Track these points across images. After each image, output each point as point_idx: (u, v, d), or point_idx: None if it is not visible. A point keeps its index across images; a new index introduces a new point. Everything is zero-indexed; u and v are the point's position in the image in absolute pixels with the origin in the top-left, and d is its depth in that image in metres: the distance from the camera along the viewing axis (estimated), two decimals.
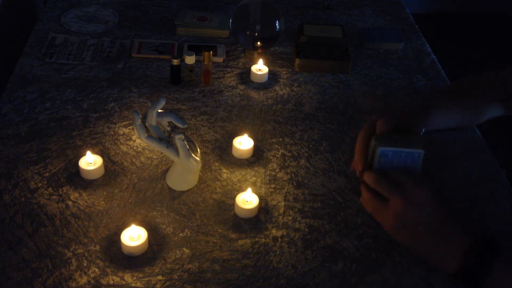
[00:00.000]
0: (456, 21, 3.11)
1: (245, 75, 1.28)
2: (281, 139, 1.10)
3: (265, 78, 1.26)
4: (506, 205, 1.00)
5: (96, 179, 0.97)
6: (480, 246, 0.78)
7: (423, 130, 0.97)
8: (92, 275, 0.82)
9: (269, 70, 1.27)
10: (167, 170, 0.99)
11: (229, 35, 1.40)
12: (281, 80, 1.28)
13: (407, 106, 1.07)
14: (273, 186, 0.99)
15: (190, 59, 1.21)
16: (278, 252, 0.88)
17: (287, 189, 0.99)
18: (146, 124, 0.92)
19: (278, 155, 1.06)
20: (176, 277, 0.83)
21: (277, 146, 1.08)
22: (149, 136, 0.91)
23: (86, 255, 0.85)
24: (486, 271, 0.76)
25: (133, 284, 0.81)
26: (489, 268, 0.76)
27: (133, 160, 1.02)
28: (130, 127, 1.09)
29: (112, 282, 0.81)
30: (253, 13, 1.28)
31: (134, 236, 0.85)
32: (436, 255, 0.83)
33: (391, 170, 0.88)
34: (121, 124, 1.10)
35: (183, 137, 0.89)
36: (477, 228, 0.90)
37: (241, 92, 1.22)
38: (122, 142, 1.06)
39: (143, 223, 0.89)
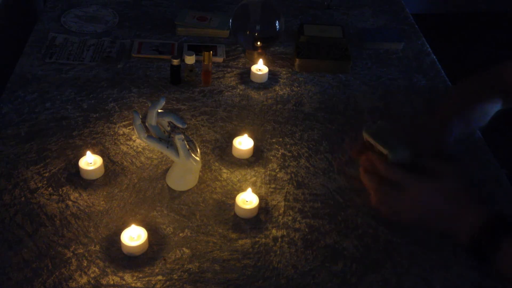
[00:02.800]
0: (456, 21, 3.11)
1: (245, 75, 1.28)
2: (281, 139, 1.10)
3: (265, 78, 1.26)
4: (506, 205, 1.00)
5: (96, 179, 0.97)
6: (494, 223, 0.79)
7: (451, 140, 0.95)
8: (92, 275, 0.82)
9: (269, 70, 1.27)
10: (167, 170, 0.99)
11: (229, 35, 1.40)
12: (281, 80, 1.28)
13: (419, 126, 0.99)
14: (273, 186, 0.99)
15: (190, 59, 1.20)
16: (278, 252, 0.88)
17: (287, 189, 0.99)
18: (146, 124, 0.92)
19: (278, 155, 1.06)
20: (176, 277, 0.83)
21: (277, 146, 1.08)
22: (149, 136, 0.91)
23: (86, 255, 0.85)
24: (496, 246, 0.78)
25: (133, 284, 0.81)
26: (499, 244, 0.78)
27: (133, 160, 1.02)
28: (130, 127, 1.09)
29: (112, 282, 0.81)
30: (253, 13, 1.28)
31: (134, 236, 0.85)
32: (452, 226, 0.83)
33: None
34: (121, 124, 1.10)
35: (183, 137, 0.89)
36: (491, 206, 0.90)
37: (241, 92, 1.22)
38: (122, 142, 1.06)
39: (143, 223, 0.89)
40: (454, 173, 0.85)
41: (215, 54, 1.32)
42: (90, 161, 0.97)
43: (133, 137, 1.07)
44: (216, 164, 1.03)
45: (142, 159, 1.03)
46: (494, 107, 1.02)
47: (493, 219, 0.80)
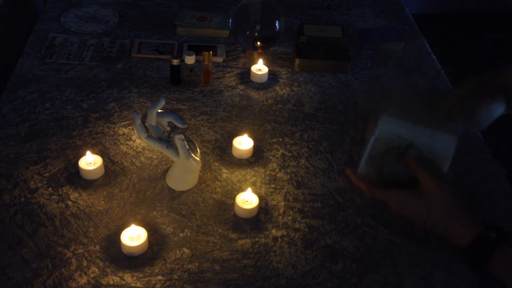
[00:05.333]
0: (456, 21, 3.11)
1: (245, 75, 1.28)
2: (281, 139, 1.10)
3: (265, 78, 1.26)
4: (506, 205, 1.00)
5: (96, 179, 0.97)
6: (491, 230, 0.82)
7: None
8: (92, 275, 0.82)
9: (269, 70, 1.27)
10: (167, 170, 0.99)
11: (229, 35, 1.40)
12: (281, 80, 1.28)
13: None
14: (273, 186, 0.99)
15: (190, 59, 1.21)
16: (278, 252, 0.88)
17: (287, 189, 0.99)
18: (146, 124, 0.92)
19: (278, 155, 1.06)
20: (176, 277, 0.83)
21: (277, 146, 1.08)
22: (149, 136, 0.91)
23: (86, 255, 0.85)
24: (491, 251, 0.80)
25: (133, 284, 0.81)
26: (494, 249, 0.80)
27: (133, 160, 1.02)
28: (130, 127, 1.09)
29: (112, 282, 0.81)
30: (253, 13, 1.28)
31: (134, 236, 0.85)
32: (455, 233, 0.85)
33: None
34: (121, 124, 1.10)
35: (183, 137, 0.89)
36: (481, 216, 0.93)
37: (241, 92, 1.22)
38: (122, 142, 1.06)
39: (143, 223, 0.89)
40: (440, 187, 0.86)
41: (215, 54, 1.32)
42: (90, 161, 0.97)
43: (133, 137, 1.07)
44: (216, 164, 1.03)
45: (142, 159, 1.03)
46: (498, 110, 1.02)
47: (486, 230, 0.81)
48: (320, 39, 1.38)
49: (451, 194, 0.85)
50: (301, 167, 1.04)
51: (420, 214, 0.86)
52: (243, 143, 1.04)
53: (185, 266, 0.84)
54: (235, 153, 1.05)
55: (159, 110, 0.91)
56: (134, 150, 1.04)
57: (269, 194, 0.98)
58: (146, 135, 0.90)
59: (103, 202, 0.93)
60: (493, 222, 0.83)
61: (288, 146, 1.08)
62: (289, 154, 1.06)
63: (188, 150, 0.91)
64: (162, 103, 0.89)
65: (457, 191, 0.87)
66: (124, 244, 0.84)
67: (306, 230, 0.92)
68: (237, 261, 0.86)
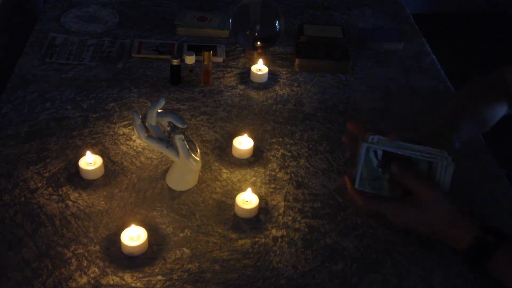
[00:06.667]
0: (456, 21, 3.11)
1: (245, 75, 1.28)
2: (281, 139, 1.10)
3: (265, 78, 1.26)
4: (506, 205, 1.00)
5: (96, 179, 0.97)
6: (489, 233, 0.81)
7: (458, 144, 0.93)
8: (92, 275, 0.82)
9: (269, 70, 1.27)
10: (167, 170, 0.99)
11: (229, 35, 1.40)
12: (281, 80, 1.28)
13: (426, 124, 0.99)
14: (273, 186, 0.99)
15: (190, 59, 1.21)
16: (278, 252, 0.88)
17: (287, 189, 0.99)
18: (146, 124, 0.92)
19: (278, 155, 1.06)
20: (176, 277, 0.83)
21: (277, 146, 1.08)
22: (149, 136, 0.91)
23: (86, 255, 0.85)
24: (490, 254, 0.80)
25: (133, 284, 0.81)
26: (493, 252, 0.80)
27: (133, 160, 1.02)
28: (130, 127, 1.10)
29: (112, 282, 0.81)
30: (253, 13, 1.28)
31: (134, 236, 0.85)
32: (453, 237, 0.85)
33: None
34: (121, 124, 1.10)
35: (183, 137, 0.89)
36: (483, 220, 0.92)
37: (241, 92, 1.22)
38: (122, 142, 1.06)
39: (143, 223, 0.89)
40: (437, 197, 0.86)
41: (215, 54, 1.32)
42: (90, 161, 0.97)
43: (133, 137, 1.07)
44: (216, 164, 1.03)
45: (142, 159, 1.03)
46: (501, 112, 1.02)
47: (489, 230, 0.81)
48: (320, 39, 1.38)
49: (448, 199, 0.85)
50: (301, 167, 1.04)
51: (419, 223, 0.86)
52: (243, 143, 1.04)
53: (185, 266, 0.84)
54: (235, 153, 1.05)
55: (159, 110, 0.91)
56: (134, 150, 1.04)
57: (269, 194, 0.98)
58: (146, 135, 0.90)
59: (103, 202, 0.93)
60: (491, 224, 0.83)
61: (288, 146, 1.08)
62: (289, 154, 1.06)
63: (188, 150, 0.91)
64: (162, 103, 0.89)
65: (453, 195, 0.87)
66: (124, 244, 0.84)
67: (306, 230, 0.92)
68: (237, 261, 0.86)
